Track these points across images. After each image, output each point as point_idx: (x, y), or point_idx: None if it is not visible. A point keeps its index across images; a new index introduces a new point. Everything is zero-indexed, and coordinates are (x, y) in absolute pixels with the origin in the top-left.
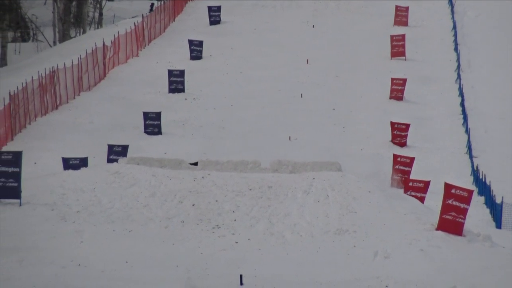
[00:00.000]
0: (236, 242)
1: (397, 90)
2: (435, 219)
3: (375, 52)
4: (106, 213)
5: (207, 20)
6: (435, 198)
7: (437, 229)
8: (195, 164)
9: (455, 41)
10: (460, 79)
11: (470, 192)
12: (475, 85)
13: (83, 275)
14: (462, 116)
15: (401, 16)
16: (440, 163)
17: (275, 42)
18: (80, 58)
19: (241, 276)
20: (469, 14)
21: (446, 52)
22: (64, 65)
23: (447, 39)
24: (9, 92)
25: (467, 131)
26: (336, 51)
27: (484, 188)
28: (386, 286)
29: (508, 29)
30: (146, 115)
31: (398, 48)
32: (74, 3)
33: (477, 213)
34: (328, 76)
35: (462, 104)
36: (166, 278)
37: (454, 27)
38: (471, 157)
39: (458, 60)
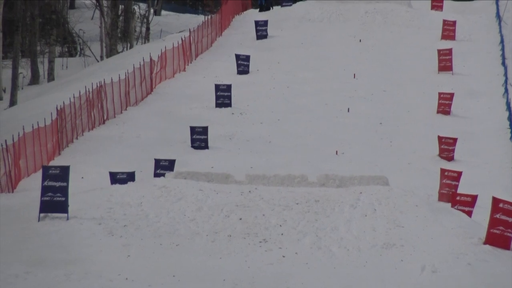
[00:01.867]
0: (283, 256)
1: (445, 104)
2: (483, 233)
3: (422, 66)
4: (153, 227)
5: (254, 35)
6: (482, 212)
7: (485, 243)
8: None
9: (503, 55)
10: (507, 93)
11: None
12: None
13: (132, 286)
14: (510, 130)
15: (448, 30)
16: (488, 178)
17: (322, 57)
18: (127, 73)
19: None
20: None
21: (494, 66)
22: (111, 80)
23: (494, 53)
24: (56, 107)
25: None
26: (383, 65)
27: None
28: None
29: None
30: (193, 130)
31: (445, 62)
32: (121, 18)
33: None
34: (375, 90)
35: (509, 118)
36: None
37: (502, 41)
38: None
39: (505, 74)
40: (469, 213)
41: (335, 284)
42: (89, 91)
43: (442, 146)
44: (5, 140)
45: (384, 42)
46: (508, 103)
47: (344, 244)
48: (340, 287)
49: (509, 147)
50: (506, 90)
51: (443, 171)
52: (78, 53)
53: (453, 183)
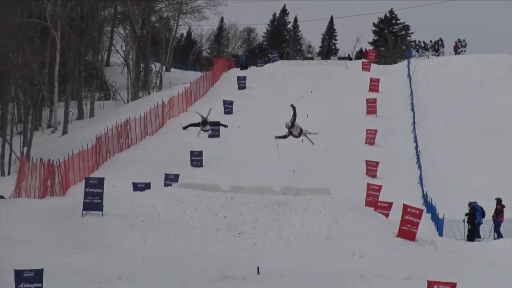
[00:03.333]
0: (255, 244)
1: (370, 137)
2: (396, 229)
3: (355, 110)
4: (163, 222)
5: (236, 86)
6: (396, 215)
7: (397, 236)
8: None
9: (412, 103)
10: (415, 131)
11: (421, 211)
12: (425, 135)
13: (146, 265)
14: (416, 157)
15: (374, 85)
16: (400, 190)
17: (285, 103)
18: (146, 112)
19: (258, 268)
20: (422, 84)
21: (405, 111)
22: (134, 117)
23: (406, 102)
24: (96, 136)
25: (419, 168)
26: (328, 110)
27: (430, 208)
28: (361, 276)
29: (448, 96)
30: (192, 153)
31: (371, 107)
32: (142, 73)
33: (425, 225)
34: (322, 127)
35: (416, 148)
36: (205, 269)
37: (411, 94)
38: (422, 186)
39: (413, 117)
40: (387, 215)
41: (291, 264)
42: (118, 124)
43: (368, 167)
44: (58, 159)
45: (328, 93)
46: (415, 138)
47: (298, 236)
48: (295, 266)
49: (415, 169)
50: (414, 129)
51: (368, 185)
52: (111, 97)
53: (376, 193)
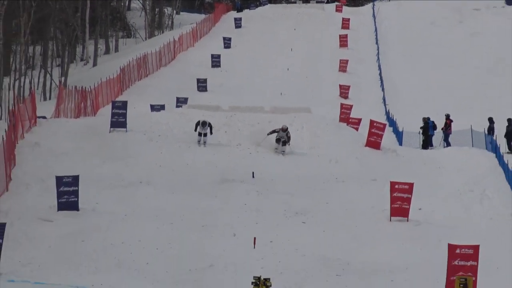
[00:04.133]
0: (250, 153)
1: (343, 66)
2: (364, 141)
3: (330, 44)
4: (175, 137)
5: (234, 26)
6: (364, 128)
7: (366, 146)
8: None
9: (376, 38)
10: (379, 60)
11: (384, 125)
12: (387, 64)
13: (162, 172)
14: (379, 81)
15: (345, 24)
16: (367, 108)
17: (273, 38)
18: (160, 47)
19: (253, 172)
20: (384, 23)
21: (371, 45)
22: (151, 51)
23: (371, 38)
24: (120, 67)
25: (382, 90)
26: (308, 44)
27: (392, 122)
28: (336, 178)
29: (405, 32)
30: (198, 80)
31: (343, 42)
32: (157, 15)
33: (388, 137)
34: (303, 58)
35: (379, 74)
36: (210, 174)
37: (375, 31)
38: (384, 105)
39: (377, 49)
40: (357, 129)
41: (280, 169)
42: (138, 58)
43: (341, 90)
44: (90, 86)
45: (308, 31)
46: (379, 66)
47: (291, 159)
48: (283, 171)
49: (379, 91)
50: (378, 59)
51: (342, 104)
52: (132, 36)
53: (348, 111)
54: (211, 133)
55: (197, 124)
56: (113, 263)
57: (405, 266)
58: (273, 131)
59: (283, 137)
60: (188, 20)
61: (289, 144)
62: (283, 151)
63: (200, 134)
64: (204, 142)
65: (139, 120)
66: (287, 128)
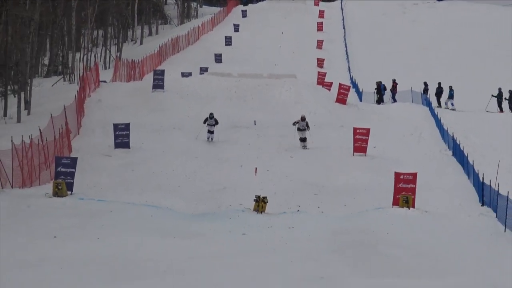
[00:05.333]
0: (252, 108)
1: (319, 44)
2: (334, 98)
3: (310, 29)
4: (199, 95)
5: (241, 16)
6: (334, 89)
7: (336, 102)
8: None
9: (343, 24)
10: (345, 40)
11: (349, 87)
12: (352, 43)
13: (189, 120)
14: (345, 56)
15: (321, 14)
16: (337, 75)
17: (270, 25)
18: (188, 31)
19: (255, 121)
20: (349, 14)
21: (339, 29)
22: (182, 34)
23: (340, 24)
24: (159, 45)
25: (348, 62)
26: (295, 29)
27: (354, 85)
28: (314, 125)
29: (364, 20)
30: (216, 55)
31: (320, 27)
32: (186, 8)
33: (352, 95)
34: (292, 38)
35: (346, 51)
36: (224, 121)
37: (343, 19)
38: (349, 72)
39: (344, 33)
40: (329, 90)
41: (274, 118)
42: (172, 38)
43: (318, 62)
44: (138, 59)
45: (295, 19)
46: (345, 45)
47: (276, 102)
48: (275, 120)
49: (346, 63)
50: (344, 39)
51: (318, 72)
52: (168, 23)
53: (323, 77)
54: (217, 123)
55: (206, 119)
56: (154, 186)
57: (364, 187)
58: (295, 122)
59: (302, 126)
60: (208, 12)
61: (309, 130)
62: (305, 146)
63: (208, 132)
64: (212, 139)
65: (173, 83)
66: (305, 117)
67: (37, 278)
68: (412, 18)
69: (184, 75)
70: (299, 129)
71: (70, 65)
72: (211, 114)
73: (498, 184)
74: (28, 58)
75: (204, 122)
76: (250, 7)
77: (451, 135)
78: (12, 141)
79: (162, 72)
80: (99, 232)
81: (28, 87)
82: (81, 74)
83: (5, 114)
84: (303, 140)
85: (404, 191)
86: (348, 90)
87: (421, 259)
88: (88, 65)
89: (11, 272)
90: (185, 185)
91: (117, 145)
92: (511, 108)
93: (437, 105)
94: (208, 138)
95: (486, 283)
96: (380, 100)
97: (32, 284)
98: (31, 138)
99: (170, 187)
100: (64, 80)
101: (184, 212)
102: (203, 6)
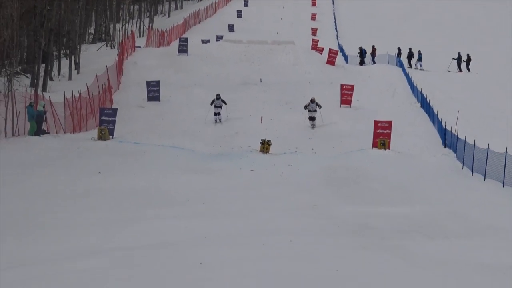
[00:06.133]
0: (259, 67)
1: (313, 16)
2: (325, 60)
3: (305, 18)
4: (216, 58)
5: (243, 4)
6: (325, 53)
7: (326, 63)
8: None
9: (334, 13)
10: (334, 14)
11: (337, 51)
12: (339, 16)
13: (207, 78)
14: (334, 26)
15: (313, 3)
16: (327, 42)
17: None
18: (207, 6)
19: (260, 79)
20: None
21: (331, 14)
22: (201, 9)
23: (331, 12)
24: (183, 18)
25: (336, 31)
26: (292, 16)
27: (342, 50)
28: (309, 83)
29: (352, 10)
30: (229, 25)
31: (313, 17)
32: None
33: (339, 58)
34: (288, 21)
35: (334, 22)
36: (236, 78)
37: (333, 8)
38: (337, 39)
39: (333, 7)
40: (321, 53)
41: (277, 77)
42: (194, 12)
43: (312, 31)
44: (166, 29)
45: (291, 10)
46: (335, 23)
47: (278, 63)
48: (278, 79)
49: (335, 32)
50: (334, 12)
51: (312, 40)
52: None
53: (316, 44)
54: (225, 103)
55: (213, 100)
56: (179, 131)
57: (349, 133)
58: (306, 106)
59: (313, 108)
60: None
61: (320, 108)
62: (313, 126)
63: (215, 114)
64: (220, 120)
65: (194, 49)
66: (315, 99)
67: (86, 205)
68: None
69: (203, 41)
70: (309, 111)
71: (111, 34)
72: (217, 95)
73: (458, 130)
74: (77, 28)
75: (212, 103)
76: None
77: (420, 90)
78: (64, 95)
79: (185, 40)
80: (135, 168)
81: (78, 52)
82: (120, 41)
83: (59, 73)
84: (312, 119)
85: (381, 136)
86: (336, 54)
87: (395, 191)
88: (126, 33)
89: (65, 202)
90: (204, 130)
91: (149, 99)
92: (468, 68)
93: (408, 66)
94: (215, 120)
95: (446, 209)
96: (362, 62)
97: (82, 210)
98: (80, 93)
99: (192, 132)
100: (106, 46)
101: (204, 153)
102: None
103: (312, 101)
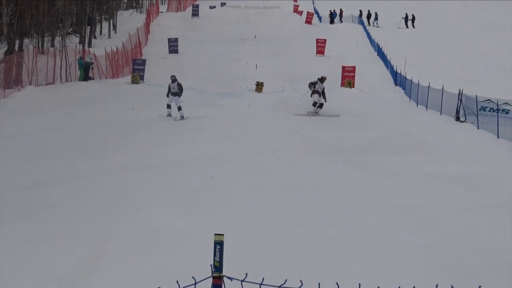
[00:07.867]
0: (253, 27)
1: (309, 17)
2: (304, 20)
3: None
4: (220, 19)
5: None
6: (304, 16)
7: (305, 22)
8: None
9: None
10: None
11: (313, 13)
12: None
13: (218, 33)
14: (313, 7)
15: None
16: (306, 7)
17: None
18: None
19: (255, 35)
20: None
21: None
22: None
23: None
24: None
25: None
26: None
27: (317, 12)
28: (292, 37)
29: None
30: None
31: (309, 18)
32: None
33: (315, 19)
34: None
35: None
36: (235, 34)
37: (315, 11)
38: (313, 4)
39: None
40: (301, 15)
41: (268, 32)
42: None
43: (294, 4)
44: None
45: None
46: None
47: (268, 22)
48: (270, 34)
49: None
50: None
51: (294, 5)
52: None
53: (296, 7)
54: (180, 89)
55: (168, 89)
56: (194, 75)
57: (322, 75)
58: (312, 84)
59: (320, 88)
60: None
61: (326, 101)
62: (318, 113)
63: (168, 107)
64: (180, 116)
65: (204, 12)
66: (326, 78)
67: (122, 132)
68: None
69: (211, 7)
70: (314, 92)
71: (140, 2)
72: (173, 77)
73: (406, 72)
74: None
75: (167, 94)
76: None
77: (376, 42)
78: (105, 49)
79: (197, 6)
80: (160, 105)
81: (115, 16)
82: (147, 8)
83: (100, 33)
84: (316, 105)
85: (348, 78)
86: (312, 15)
87: (359, 119)
88: (151, 1)
89: (105, 129)
90: (213, 74)
91: (170, 51)
92: (413, 25)
93: (367, 24)
94: (168, 114)
95: (397, 132)
96: (332, 22)
97: (119, 135)
98: (117, 48)
99: (204, 75)
100: (137, 11)
101: (212, 91)
102: None
103: (322, 79)
